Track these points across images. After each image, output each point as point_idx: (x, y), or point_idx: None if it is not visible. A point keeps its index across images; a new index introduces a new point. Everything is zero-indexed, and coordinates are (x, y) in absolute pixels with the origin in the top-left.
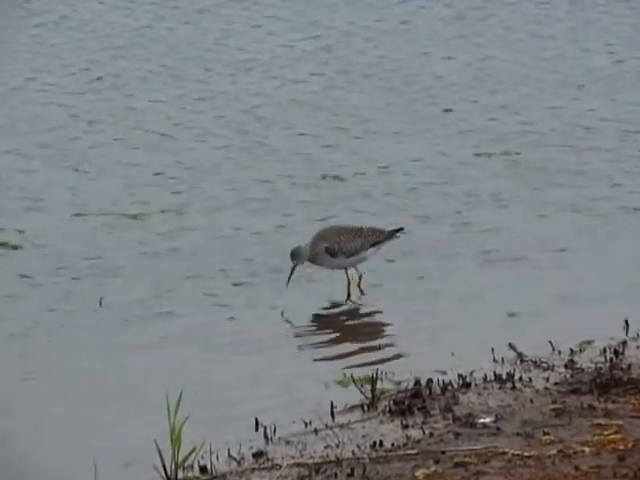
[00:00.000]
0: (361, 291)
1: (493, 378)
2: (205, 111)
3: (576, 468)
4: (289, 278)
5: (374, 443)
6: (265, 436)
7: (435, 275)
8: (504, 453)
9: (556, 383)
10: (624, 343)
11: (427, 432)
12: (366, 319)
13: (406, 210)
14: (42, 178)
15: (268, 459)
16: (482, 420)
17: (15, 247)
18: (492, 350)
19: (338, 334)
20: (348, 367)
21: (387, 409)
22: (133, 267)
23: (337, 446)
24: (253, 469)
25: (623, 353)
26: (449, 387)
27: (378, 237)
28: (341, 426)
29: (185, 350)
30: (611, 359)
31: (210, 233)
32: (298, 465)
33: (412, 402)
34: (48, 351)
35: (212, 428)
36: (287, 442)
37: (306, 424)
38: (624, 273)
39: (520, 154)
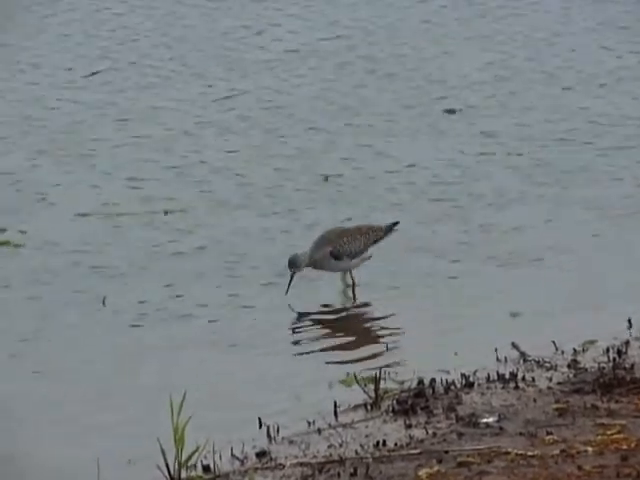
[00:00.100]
0: (344, 298)
1: (496, 378)
2: (223, 110)
3: (579, 468)
4: (288, 286)
5: (377, 443)
6: (268, 436)
7: (438, 275)
8: (507, 453)
9: (559, 383)
10: (627, 343)
11: (430, 432)
12: (369, 319)
13: (408, 209)
14: (46, 176)
15: (271, 459)
16: (485, 420)
17: (17, 246)
18: (495, 350)
19: (341, 334)
20: (351, 367)
21: (390, 409)
22: (137, 267)
23: (340, 446)
24: (256, 469)
25: (626, 353)
26: (452, 387)
27: (378, 234)
28: (344, 426)
29: (188, 350)
30: (614, 359)
31: (216, 232)
32: (301, 465)
33: (415, 402)
34: (50, 351)
35: (215, 428)
36: (290, 442)
37: (309, 424)
38: (628, 273)
39: (538, 153)
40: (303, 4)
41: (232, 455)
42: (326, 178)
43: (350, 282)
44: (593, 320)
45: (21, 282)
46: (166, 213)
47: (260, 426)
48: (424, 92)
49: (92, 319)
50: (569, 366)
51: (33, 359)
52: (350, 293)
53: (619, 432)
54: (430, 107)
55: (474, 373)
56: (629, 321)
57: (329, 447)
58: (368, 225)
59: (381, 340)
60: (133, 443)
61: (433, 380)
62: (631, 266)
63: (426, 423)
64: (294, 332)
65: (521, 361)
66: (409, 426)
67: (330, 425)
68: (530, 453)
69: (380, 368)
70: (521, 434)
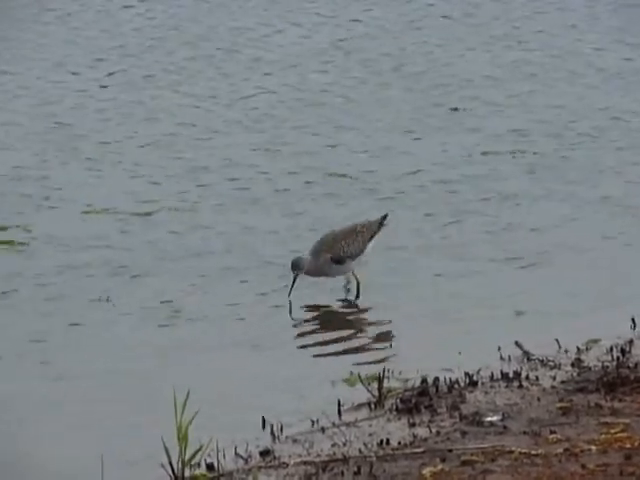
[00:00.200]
0: (348, 296)
1: (500, 377)
2: (223, 109)
3: (583, 466)
4: (291, 288)
5: (381, 441)
6: (272, 434)
7: (442, 274)
8: (511, 451)
9: (563, 382)
10: (631, 342)
11: (434, 430)
12: (373, 318)
13: (412, 208)
14: (50, 175)
15: (275, 457)
16: (489, 418)
17: (22, 244)
18: (499, 349)
19: (345, 333)
20: (355, 366)
21: (394, 407)
22: (143, 265)
23: (344, 444)
24: (260, 467)
25: (630, 352)
26: (456, 385)
27: (372, 230)
28: (348, 424)
29: (191, 349)
30: (618, 358)
31: (219, 231)
32: (305, 463)
33: (419, 400)
34: (52, 351)
35: (219, 426)
36: (294, 440)
37: (313, 422)
38: (632, 272)
39: (548, 151)
40: (320, 3)
41: (236, 454)
42: (329, 175)
43: (355, 281)
44: (597, 319)
45: (24, 281)
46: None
47: (264, 425)
48: (444, 91)
49: (96, 318)
50: (573, 365)
51: (35, 359)
52: (354, 292)
53: (623, 431)
54: (440, 105)
55: (478, 372)
56: (633, 320)
57: (333, 446)
58: (361, 223)
59: (385, 339)
60: (137, 442)
61: (437, 379)
62: (637, 265)
63: (430, 422)
64: (298, 331)
65: (525, 360)
66: (413, 425)
67: (334, 424)
68: (534, 452)
69: (384, 367)
70: (525, 433)
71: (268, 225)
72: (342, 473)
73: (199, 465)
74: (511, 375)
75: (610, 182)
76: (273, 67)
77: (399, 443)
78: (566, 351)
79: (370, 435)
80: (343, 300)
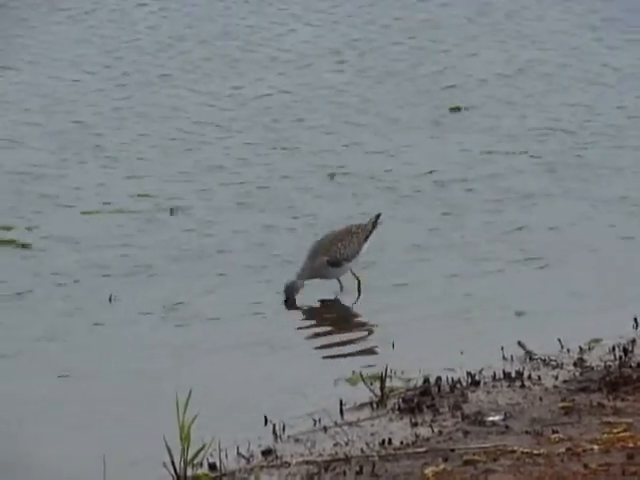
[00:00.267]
0: (347, 296)
1: (502, 376)
2: (239, 108)
3: (585, 466)
4: (291, 307)
5: (383, 441)
6: (274, 434)
7: (444, 273)
8: (513, 451)
9: (565, 381)
10: (633, 341)
11: (436, 430)
12: (375, 318)
13: (414, 207)
14: (66, 174)
15: (277, 457)
16: (491, 418)
17: (25, 245)
18: (501, 348)
19: (347, 332)
20: (357, 365)
21: (396, 407)
22: (145, 266)
23: (346, 444)
24: (262, 467)
25: (632, 351)
26: (458, 385)
27: (367, 231)
28: (350, 424)
29: (193, 350)
30: (620, 357)
31: (235, 230)
32: (307, 463)
33: (421, 400)
34: (53, 351)
35: (221, 426)
36: (296, 440)
37: (315, 422)
38: (636, 272)
39: (563, 150)
40: (335, 2)
41: (238, 453)
42: (332, 176)
43: (355, 280)
44: (599, 318)
45: (39, 281)
46: (172, 212)
47: (266, 424)
48: (461, 90)
49: (98, 319)
50: (575, 364)
51: (37, 359)
52: (354, 292)
53: (625, 430)
54: (455, 104)
55: (480, 371)
56: (635, 319)
57: (335, 445)
58: (356, 224)
59: (387, 338)
60: (139, 441)
61: (439, 378)
62: None
63: (432, 421)
64: (300, 331)
65: (527, 359)
66: (415, 424)
67: (336, 423)
68: (536, 451)
69: (386, 366)
70: (527, 432)
71: (286, 224)
72: (344, 473)
73: (201, 465)
74: (513, 375)
75: (626, 182)
76: (288, 66)
77: (401, 443)
78: (568, 351)
79: (372, 434)
80: (345, 299)
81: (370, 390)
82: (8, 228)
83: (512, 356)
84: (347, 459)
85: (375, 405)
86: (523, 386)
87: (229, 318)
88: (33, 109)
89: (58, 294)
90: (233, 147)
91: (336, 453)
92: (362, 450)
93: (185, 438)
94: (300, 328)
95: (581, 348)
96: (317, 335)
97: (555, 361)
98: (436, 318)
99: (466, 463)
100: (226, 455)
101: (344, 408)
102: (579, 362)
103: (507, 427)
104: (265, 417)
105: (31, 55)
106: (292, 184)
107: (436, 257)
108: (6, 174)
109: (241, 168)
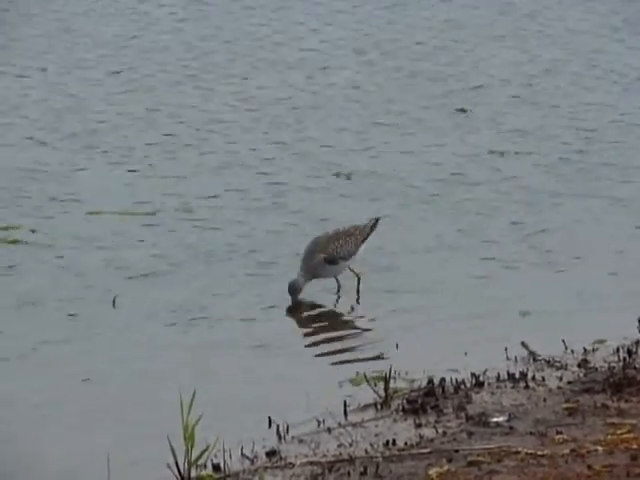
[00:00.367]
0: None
1: (506, 377)
2: (253, 108)
3: (589, 467)
4: (296, 306)
5: (387, 442)
6: (278, 435)
7: (448, 274)
8: (517, 452)
9: (569, 382)
10: (637, 342)
11: (440, 431)
12: (379, 318)
13: (417, 207)
14: (75, 175)
15: (281, 458)
16: (495, 419)
17: (27, 244)
18: (505, 349)
19: (351, 333)
20: (361, 366)
21: (400, 408)
22: (149, 266)
23: (350, 445)
24: (266, 468)
25: (636, 352)
26: (462, 386)
27: (365, 233)
28: (354, 425)
29: (197, 349)
30: (624, 358)
31: (244, 231)
32: (311, 464)
33: (425, 401)
34: (56, 352)
35: (225, 427)
36: (300, 441)
37: (319, 423)
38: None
39: (576, 150)
40: (355, 3)
41: (242, 454)
42: (348, 176)
43: (355, 278)
44: (603, 319)
45: (46, 282)
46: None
47: (270, 425)
48: (480, 92)
49: (103, 319)
50: (579, 365)
51: (38, 359)
52: (354, 291)
53: (629, 431)
54: (472, 104)
55: (484, 372)
56: (639, 321)
57: (339, 446)
58: (354, 225)
59: (391, 339)
60: (143, 442)
61: (443, 379)
62: None
63: (436, 422)
64: (304, 332)
65: (531, 360)
66: (419, 425)
67: (340, 424)
68: (540, 452)
69: (390, 367)
70: (531, 433)
71: (296, 224)
72: (348, 473)
73: (205, 466)
74: (517, 376)
75: (638, 183)
76: (303, 67)
77: (405, 443)
78: (572, 352)
79: (376, 435)
80: (347, 300)
81: (374, 391)
82: (14, 228)
83: (516, 357)
84: (351, 460)
85: (379, 406)
86: (527, 387)
87: (234, 319)
88: (43, 109)
89: (63, 294)
90: (246, 148)
91: (340, 454)
92: (366, 451)
93: (189, 439)
94: (304, 329)
95: (585, 349)
96: (321, 336)
97: (559, 362)
98: (439, 319)
99: (470, 464)
100: (230, 456)
101: (348, 409)
102: (583, 363)
103: (511, 428)
104: (269, 418)
105: (52, 55)
106: (305, 184)
107: (440, 259)
108: (11, 173)
109: (254, 169)
